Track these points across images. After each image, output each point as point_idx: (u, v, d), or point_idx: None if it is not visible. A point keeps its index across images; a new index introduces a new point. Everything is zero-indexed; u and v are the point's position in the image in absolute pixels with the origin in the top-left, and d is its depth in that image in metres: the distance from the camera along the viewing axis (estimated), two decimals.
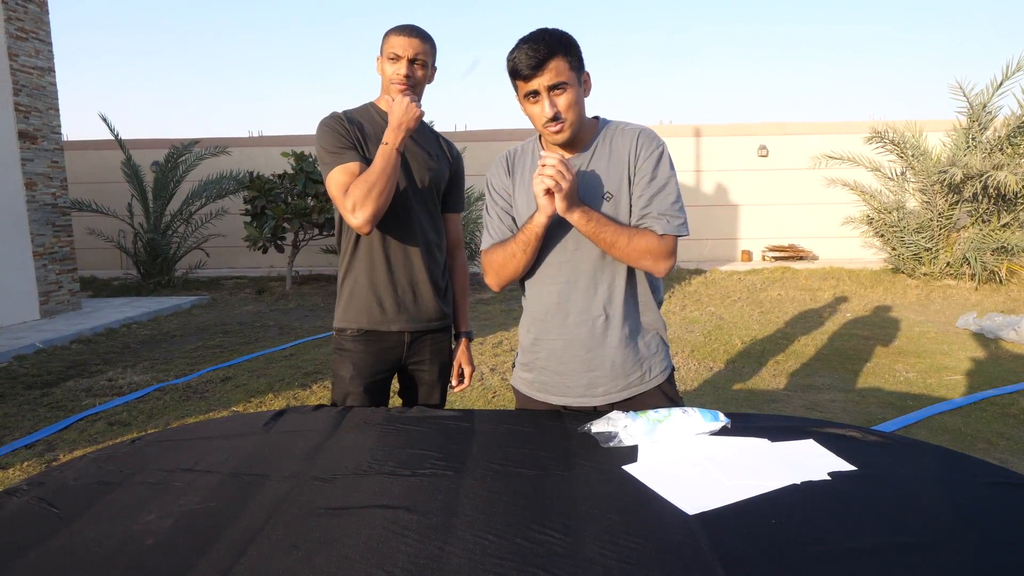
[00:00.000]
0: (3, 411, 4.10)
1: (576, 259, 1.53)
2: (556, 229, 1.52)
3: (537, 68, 1.39)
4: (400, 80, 1.75)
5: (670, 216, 1.49)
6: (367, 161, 1.73)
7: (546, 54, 1.38)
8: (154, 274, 9.85)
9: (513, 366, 1.77)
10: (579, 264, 1.53)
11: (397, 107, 1.69)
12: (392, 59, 1.75)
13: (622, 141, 1.53)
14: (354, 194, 1.65)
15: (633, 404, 1.58)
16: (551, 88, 1.41)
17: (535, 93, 1.43)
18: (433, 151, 1.90)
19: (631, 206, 1.52)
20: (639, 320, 1.59)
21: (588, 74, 1.50)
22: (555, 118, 1.43)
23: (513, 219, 1.61)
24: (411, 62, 1.75)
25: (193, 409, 4.09)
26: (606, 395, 1.58)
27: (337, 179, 1.70)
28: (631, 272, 1.55)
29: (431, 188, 1.87)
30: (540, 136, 1.60)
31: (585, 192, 1.50)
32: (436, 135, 1.96)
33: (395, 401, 2.01)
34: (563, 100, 1.43)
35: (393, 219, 1.78)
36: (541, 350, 1.60)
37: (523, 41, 1.41)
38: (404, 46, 1.74)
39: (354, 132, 1.75)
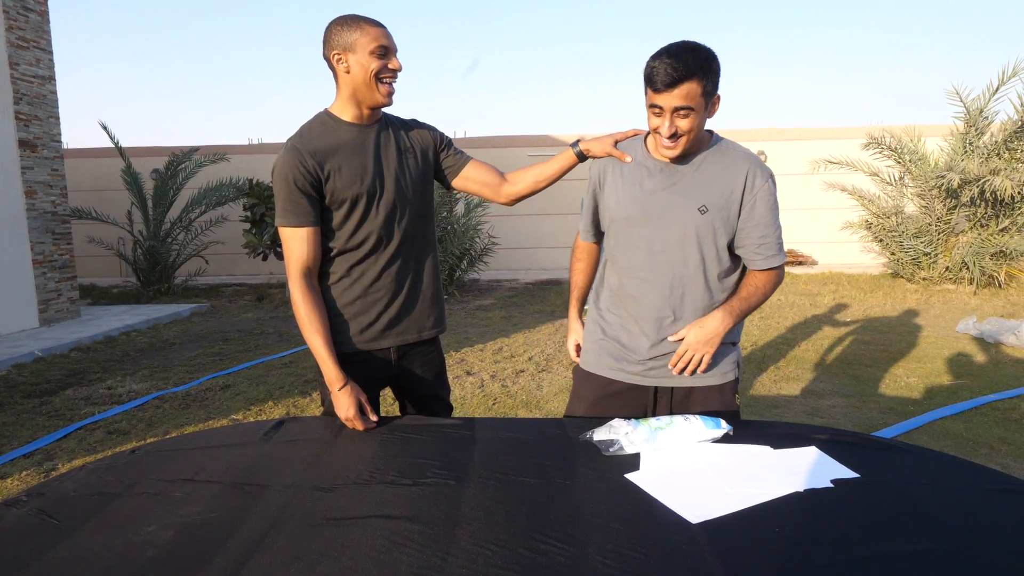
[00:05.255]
0: (2, 420, 4.09)
1: (657, 262, 1.59)
2: (644, 229, 1.59)
3: (670, 87, 1.39)
4: (391, 76, 1.63)
5: (781, 244, 1.59)
6: (317, 220, 1.65)
7: (683, 75, 1.38)
8: (153, 282, 9.84)
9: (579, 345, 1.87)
10: (658, 267, 1.59)
11: (348, 413, 1.60)
12: (379, 52, 1.60)
13: (733, 162, 1.56)
14: (293, 295, 1.65)
15: (691, 401, 1.65)
16: (677, 109, 1.42)
17: (661, 107, 1.44)
18: (404, 145, 1.76)
19: (735, 227, 1.57)
20: None
21: (719, 96, 1.49)
22: (672, 136, 1.46)
23: (594, 215, 1.75)
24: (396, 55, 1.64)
25: (193, 417, 4.07)
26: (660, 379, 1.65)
27: (288, 244, 1.65)
28: (708, 287, 1.60)
29: (418, 191, 1.77)
30: (647, 136, 1.63)
31: (679, 200, 1.55)
32: (404, 125, 1.81)
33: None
34: (685, 123, 1.45)
35: (378, 238, 1.70)
36: (615, 318, 1.68)
37: (668, 53, 1.40)
38: (389, 37, 1.62)
39: (313, 171, 1.61)
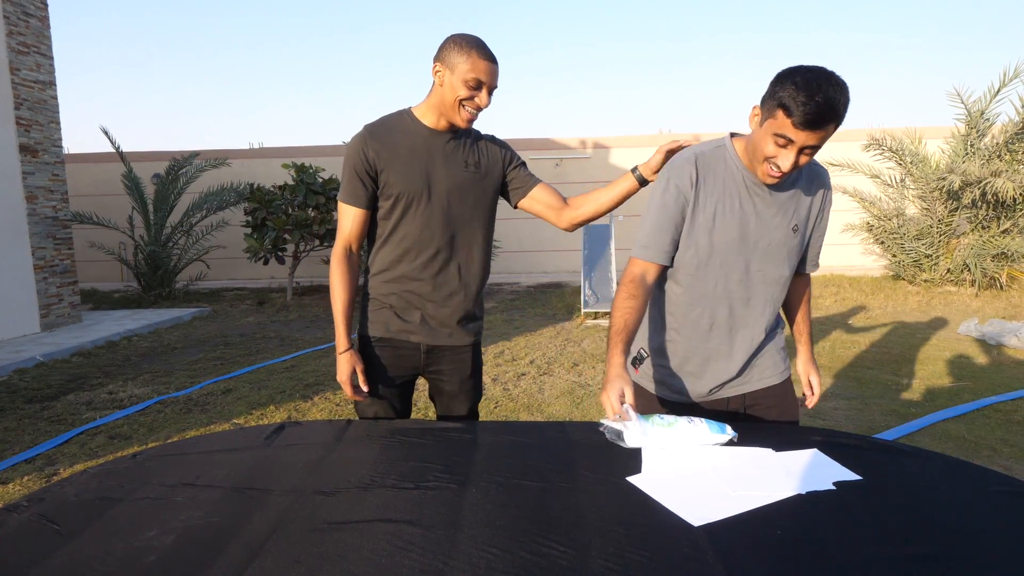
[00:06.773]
0: (3, 425, 4.09)
1: (753, 282, 1.57)
2: (742, 251, 1.53)
3: (813, 128, 1.30)
4: (475, 108, 1.69)
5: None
6: (367, 203, 1.76)
7: (831, 118, 1.29)
8: (155, 286, 9.85)
9: (637, 361, 1.70)
10: (755, 288, 1.57)
11: (341, 376, 1.78)
12: (472, 84, 1.64)
13: (816, 180, 1.56)
14: (331, 264, 1.81)
15: (764, 402, 1.67)
16: (807, 147, 1.34)
17: (791, 140, 1.33)
18: (471, 158, 1.79)
19: (808, 241, 1.63)
20: (778, 330, 1.72)
21: None
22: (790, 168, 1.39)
23: (676, 233, 1.53)
24: (491, 91, 1.68)
25: (194, 422, 4.07)
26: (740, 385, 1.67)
27: (340, 218, 1.80)
28: (782, 296, 1.63)
29: (471, 204, 1.80)
30: (732, 136, 1.55)
31: (776, 220, 1.52)
32: (478, 138, 1.85)
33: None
34: (806, 159, 1.38)
35: (418, 238, 1.76)
36: (692, 359, 1.62)
37: (820, 90, 1.27)
38: (491, 74, 1.66)
39: (371, 161, 1.72)
